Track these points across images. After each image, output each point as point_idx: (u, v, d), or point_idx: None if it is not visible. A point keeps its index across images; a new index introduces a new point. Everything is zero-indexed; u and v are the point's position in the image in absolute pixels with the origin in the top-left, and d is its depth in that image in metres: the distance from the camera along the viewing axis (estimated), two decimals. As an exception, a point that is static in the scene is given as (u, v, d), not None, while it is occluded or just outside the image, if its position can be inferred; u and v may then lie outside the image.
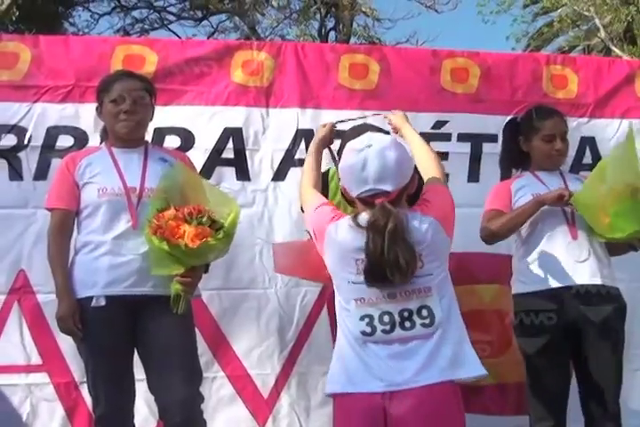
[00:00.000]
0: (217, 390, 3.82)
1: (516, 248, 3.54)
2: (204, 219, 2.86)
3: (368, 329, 2.44)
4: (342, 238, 2.50)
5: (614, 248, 3.46)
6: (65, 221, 3.17)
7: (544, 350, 3.31)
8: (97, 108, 3.34)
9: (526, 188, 3.49)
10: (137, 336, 3.10)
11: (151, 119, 3.35)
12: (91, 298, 3.04)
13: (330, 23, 18.96)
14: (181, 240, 2.81)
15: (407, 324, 2.43)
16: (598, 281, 3.34)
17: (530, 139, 3.55)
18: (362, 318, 2.45)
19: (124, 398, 3.10)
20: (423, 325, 2.44)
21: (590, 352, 3.30)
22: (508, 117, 4.12)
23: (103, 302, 3.03)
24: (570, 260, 3.35)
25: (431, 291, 2.46)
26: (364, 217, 2.46)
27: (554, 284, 3.33)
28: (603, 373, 3.30)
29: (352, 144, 2.55)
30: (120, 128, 3.22)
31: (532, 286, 3.38)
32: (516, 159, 3.66)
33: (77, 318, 3.03)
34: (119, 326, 3.06)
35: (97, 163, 3.19)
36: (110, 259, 3.07)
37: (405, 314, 2.43)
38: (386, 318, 2.44)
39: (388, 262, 2.37)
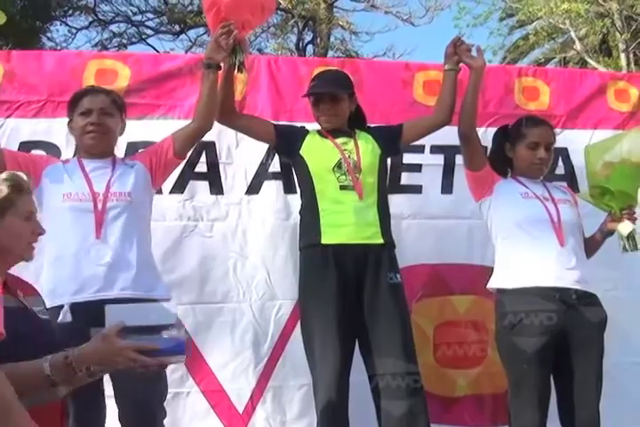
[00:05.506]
0: (191, 405, 3.77)
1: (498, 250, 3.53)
2: None
3: None
4: None
5: (589, 246, 3.53)
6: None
7: (531, 355, 3.28)
8: (68, 123, 3.38)
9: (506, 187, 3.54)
10: None
11: (121, 134, 3.37)
12: (61, 307, 2.97)
13: (307, 37, 19.07)
14: None
15: None
16: (583, 288, 3.36)
17: (515, 145, 3.59)
18: None
19: (92, 416, 2.99)
20: None
21: (573, 361, 3.31)
22: (481, 129, 4.16)
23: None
24: (560, 267, 3.36)
25: None
26: None
27: (542, 283, 3.33)
28: (584, 382, 3.31)
29: None
30: (87, 140, 3.26)
31: (520, 283, 3.36)
32: (499, 166, 3.64)
33: None
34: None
35: (67, 169, 3.23)
36: (75, 265, 3.05)
37: None
38: None
39: None
